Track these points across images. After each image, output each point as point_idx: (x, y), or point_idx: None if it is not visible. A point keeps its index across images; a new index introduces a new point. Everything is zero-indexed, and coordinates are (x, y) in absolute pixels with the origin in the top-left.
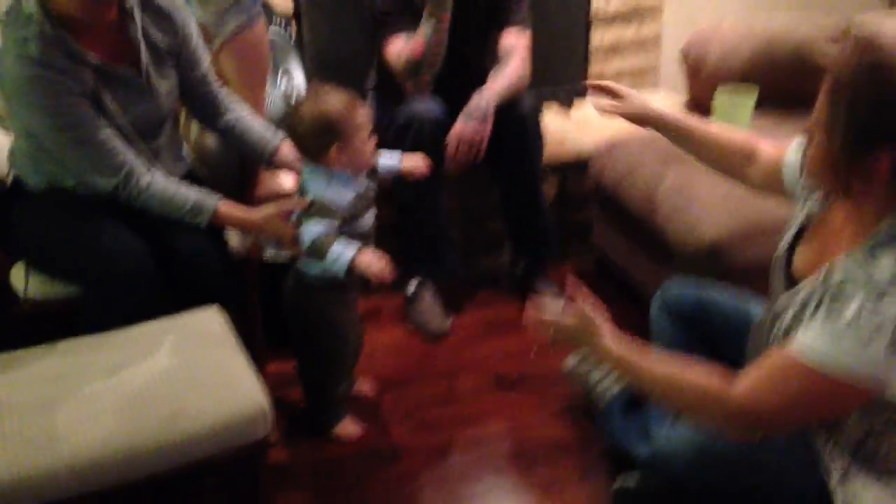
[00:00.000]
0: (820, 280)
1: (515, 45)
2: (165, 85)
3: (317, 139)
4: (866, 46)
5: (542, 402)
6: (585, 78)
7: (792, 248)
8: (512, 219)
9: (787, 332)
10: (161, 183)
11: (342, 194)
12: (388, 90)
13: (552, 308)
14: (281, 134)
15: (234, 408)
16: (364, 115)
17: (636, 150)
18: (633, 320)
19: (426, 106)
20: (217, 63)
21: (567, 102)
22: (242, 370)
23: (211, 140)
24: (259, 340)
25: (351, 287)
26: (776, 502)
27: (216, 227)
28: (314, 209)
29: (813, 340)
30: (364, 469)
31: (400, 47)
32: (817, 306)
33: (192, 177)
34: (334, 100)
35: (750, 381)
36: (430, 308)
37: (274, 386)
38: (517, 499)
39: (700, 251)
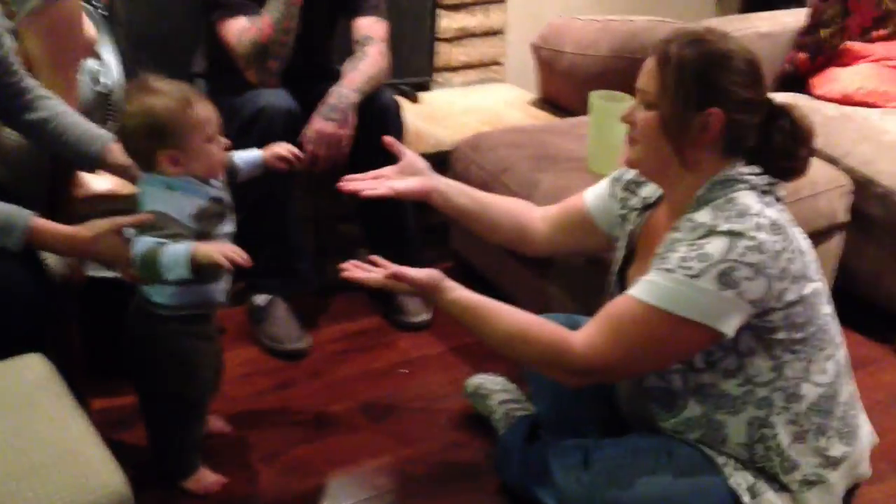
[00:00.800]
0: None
1: (371, 34)
2: None
3: (144, 143)
4: (685, 28)
5: (422, 431)
6: (431, 68)
7: (623, 275)
8: (371, 222)
9: None
10: None
11: (184, 205)
12: (221, 77)
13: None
14: (109, 133)
15: (85, 498)
16: (203, 112)
17: (505, 147)
18: None
19: (276, 98)
20: (20, 42)
21: (412, 95)
22: (88, 444)
23: (11, 135)
24: (81, 377)
25: (205, 315)
26: None
27: (30, 250)
28: (150, 223)
29: (645, 282)
30: None
31: (241, 28)
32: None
33: None
34: (162, 95)
35: (587, 331)
36: (284, 324)
37: (104, 427)
38: None
39: (579, 259)
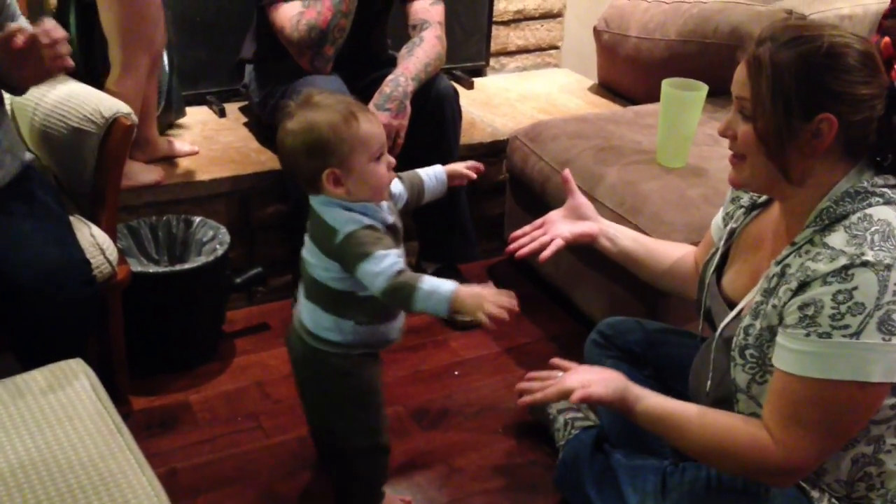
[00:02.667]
0: (764, 287)
1: (427, 18)
2: None
3: (307, 162)
4: (778, 23)
5: (475, 439)
6: (488, 53)
7: (719, 273)
8: (424, 216)
9: (745, 349)
10: None
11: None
12: (272, 63)
13: (554, 390)
14: None
15: None
16: (368, 127)
17: (567, 138)
18: (557, 328)
19: (329, 85)
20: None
21: (467, 81)
22: (130, 466)
23: (57, 127)
24: (123, 376)
25: (375, 353)
26: None
27: (73, 244)
28: (357, 239)
29: (802, 353)
30: None
31: (296, 13)
32: (781, 318)
33: (29, 175)
34: (325, 110)
35: (775, 433)
36: None
37: (144, 429)
38: None
39: None
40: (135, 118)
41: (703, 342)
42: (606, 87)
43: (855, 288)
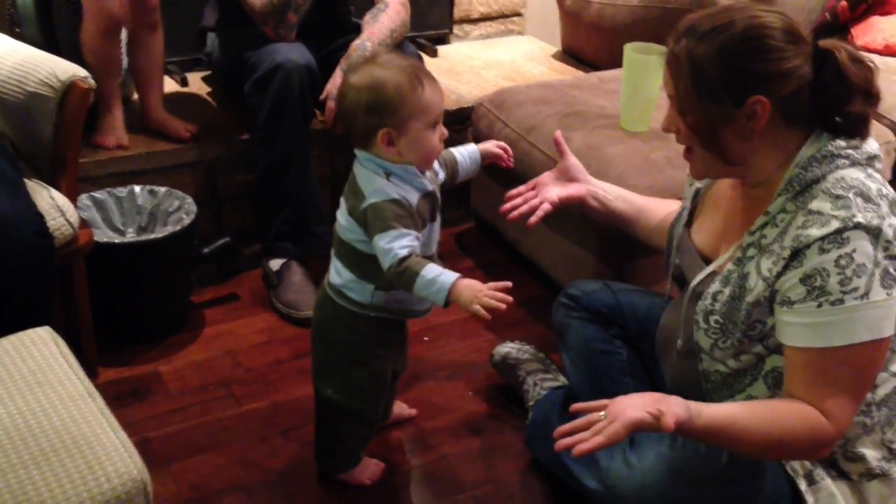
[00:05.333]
0: (738, 256)
1: None
2: None
3: (365, 118)
4: (693, 15)
5: (446, 402)
6: (451, 21)
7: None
8: None
9: (710, 314)
10: None
11: (407, 194)
12: (234, 31)
13: (619, 426)
14: None
15: (100, 487)
16: (431, 95)
17: (531, 104)
18: (525, 293)
19: (293, 52)
20: None
21: (431, 49)
22: (102, 427)
23: (15, 91)
24: (90, 346)
25: (400, 322)
26: None
27: (24, 198)
28: (378, 212)
29: (820, 325)
30: None
31: None
32: (773, 291)
33: None
34: (393, 70)
35: (827, 409)
36: (300, 290)
37: (113, 400)
38: None
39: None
40: (91, 82)
41: (670, 301)
42: (570, 54)
43: (853, 251)
